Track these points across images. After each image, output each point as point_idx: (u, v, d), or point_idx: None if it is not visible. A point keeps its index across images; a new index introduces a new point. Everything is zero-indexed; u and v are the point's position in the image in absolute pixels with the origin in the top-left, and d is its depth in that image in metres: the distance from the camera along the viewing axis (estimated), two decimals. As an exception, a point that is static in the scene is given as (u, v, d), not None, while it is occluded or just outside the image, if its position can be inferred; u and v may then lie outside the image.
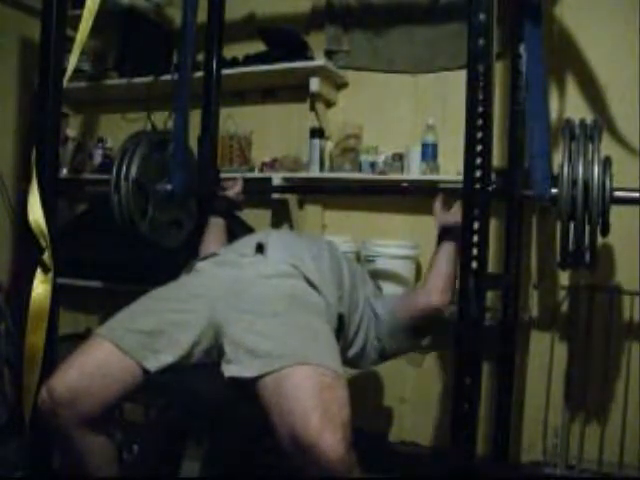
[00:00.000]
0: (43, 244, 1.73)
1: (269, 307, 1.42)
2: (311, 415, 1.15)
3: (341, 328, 1.55)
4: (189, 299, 1.48)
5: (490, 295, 2.14)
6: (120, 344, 1.38)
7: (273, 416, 1.22)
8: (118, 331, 1.41)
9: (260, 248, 1.60)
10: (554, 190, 1.57)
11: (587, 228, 1.53)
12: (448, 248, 1.69)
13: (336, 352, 1.37)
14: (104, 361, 1.37)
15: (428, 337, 1.75)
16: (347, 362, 1.66)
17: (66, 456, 1.45)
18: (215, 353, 1.43)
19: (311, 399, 1.18)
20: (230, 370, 1.32)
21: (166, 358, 1.38)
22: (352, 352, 1.67)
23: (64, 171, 2.90)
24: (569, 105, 2.22)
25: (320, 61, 2.45)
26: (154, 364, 1.37)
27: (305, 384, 1.21)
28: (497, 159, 2.04)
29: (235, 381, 1.31)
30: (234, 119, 2.68)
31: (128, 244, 2.18)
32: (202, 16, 2.14)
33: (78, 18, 1.68)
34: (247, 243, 1.66)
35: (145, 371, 1.38)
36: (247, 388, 1.30)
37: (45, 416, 1.36)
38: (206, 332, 1.42)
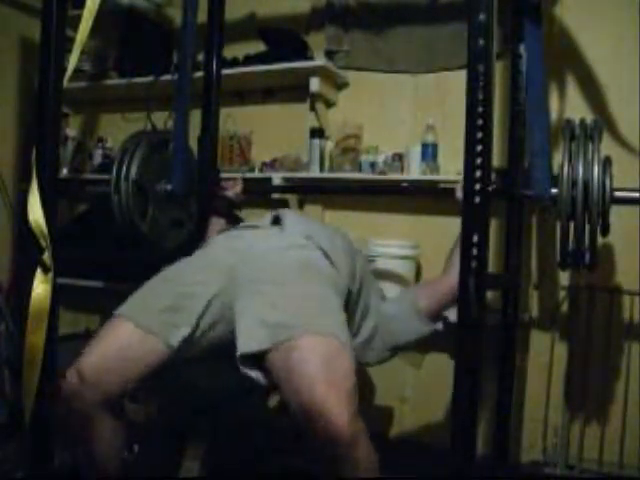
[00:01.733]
0: (43, 244, 1.73)
1: (280, 277, 1.44)
2: (316, 384, 1.20)
3: (347, 304, 1.56)
4: (202, 270, 1.51)
5: (490, 295, 2.14)
6: (140, 323, 1.41)
7: (283, 389, 1.26)
8: (137, 311, 1.44)
9: (277, 220, 1.64)
10: (554, 190, 1.57)
11: (587, 228, 1.53)
12: None
13: (344, 323, 1.39)
14: (125, 342, 1.41)
15: (441, 321, 1.76)
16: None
17: (80, 440, 1.47)
18: (221, 329, 1.45)
19: (316, 370, 1.22)
20: (241, 346, 1.33)
21: (184, 331, 1.41)
22: (358, 341, 1.68)
23: (64, 171, 2.90)
24: (569, 105, 2.22)
25: (320, 61, 2.45)
26: (175, 339, 1.40)
27: (311, 355, 1.25)
28: (497, 159, 2.03)
29: (246, 359, 1.32)
30: (234, 119, 2.68)
31: (128, 244, 2.18)
32: (202, 16, 2.14)
33: (78, 18, 1.68)
34: (263, 218, 1.71)
35: (168, 347, 1.40)
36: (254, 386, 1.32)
37: (70, 399, 1.38)
38: (215, 304, 1.45)
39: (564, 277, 2.23)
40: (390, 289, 2.08)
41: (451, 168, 2.30)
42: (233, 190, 2.01)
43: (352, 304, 1.60)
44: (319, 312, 1.37)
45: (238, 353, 1.33)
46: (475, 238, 1.31)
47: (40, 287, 1.73)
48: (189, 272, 1.52)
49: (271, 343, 1.29)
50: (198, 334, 1.44)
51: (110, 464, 1.45)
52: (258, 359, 1.32)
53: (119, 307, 1.47)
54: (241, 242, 1.58)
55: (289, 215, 1.66)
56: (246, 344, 1.33)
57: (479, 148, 1.31)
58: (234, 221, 2.10)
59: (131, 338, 1.40)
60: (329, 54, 2.56)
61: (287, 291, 1.41)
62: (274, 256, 1.51)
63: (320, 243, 1.56)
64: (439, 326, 1.76)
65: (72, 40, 1.71)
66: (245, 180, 2.06)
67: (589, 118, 1.63)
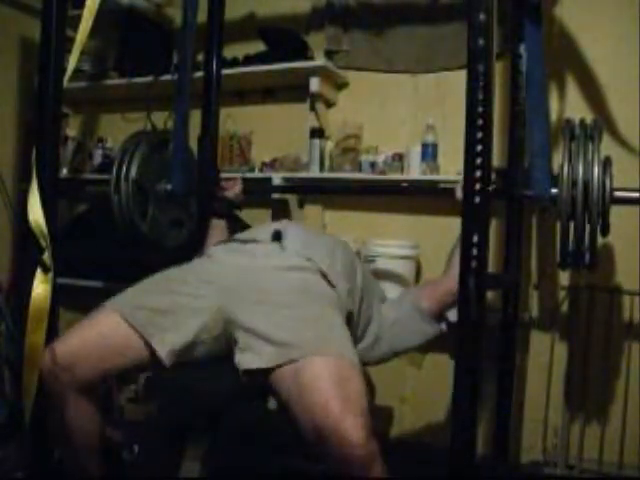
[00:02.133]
0: (43, 244, 1.73)
1: (283, 299, 1.43)
2: (332, 404, 1.18)
3: (349, 325, 1.55)
4: (200, 285, 1.49)
5: (490, 295, 2.14)
6: (128, 318, 1.41)
7: (293, 407, 1.24)
8: (127, 306, 1.44)
9: (277, 236, 1.61)
10: (554, 190, 1.57)
11: (587, 228, 1.53)
12: None
13: (350, 342, 1.39)
14: (109, 332, 1.41)
15: (444, 322, 1.76)
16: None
17: (54, 422, 1.48)
18: (223, 342, 1.44)
19: (330, 389, 1.21)
20: (246, 361, 1.33)
21: (172, 338, 1.40)
22: (361, 346, 1.68)
23: (64, 171, 2.90)
24: (569, 105, 2.22)
25: (320, 61, 2.45)
26: (160, 343, 1.39)
27: (324, 374, 1.24)
28: (497, 159, 2.03)
29: (251, 373, 1.32)
30: (234, 119, 2.68)
31: (128, 244, 2.18)
32: (202, 16, 2.14)
33: (78, 18, 1.68)
34: (264, 230, 1.67)
35: (152, 350, 1.39)
36: (255, 387, 1.31)
37: (44, 378, 1.38)
38: (215, 319, 1.43)
39: (564, 277, 2.23)
40: (390, 289, 2.08)
41: (451, 168, 2.30)
42: (233, 190, 2.00)
43: (354, 320, 1.59)
44: (325, 333, 1.36)
45: (241, 369, 1.33)
46: (475, 238, 1.31)
47: (40, 287, 1.72)
48: (188, 282, 1.50)
49: (278, 362, 1.28)
50: (198, 345, 1.43)
51: (84, 448, 1.45)
52: (261, 375, 1.32)
53: (108, 300, 1.47)
54: (242, 258, 1.56)
55: (290, 231, 1.63)
56: (250, 361, 1.33)
57: (479, 148, 1.31)
58: (234, 222, 2.10)
59: (115, 330, 1.40)
60: (329, 54, 2.56)
61: (290, 312, 1.40)
62: (275, 277, 1.49)
63: (320, 265, 1.53)
64: (443, 327, 1.76)
65: (72, 40, 1.71)
66: (245, 180, 2.06)
67: (589, 118, 1.63)
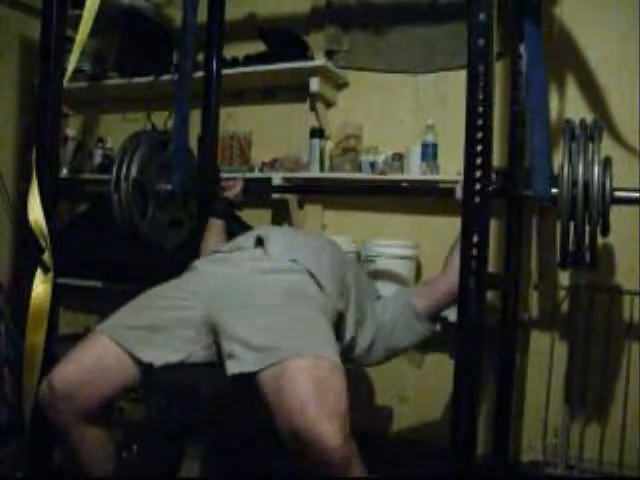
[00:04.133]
0: (43, 244, 1.73)
1: (265, 301, 1.43)
2: (307, 407, 1.17)
3: (339, 325, 1.55)
4: (187, 297, 1.49)
5: (490, 295, 2.14)
6: (118, 340, 1.40)
7: (273, 410, 1.24)
8: (116, 327, 1.44)
9: (260, 241, 1.61)
10: (554, 190, 1.57)
11: (587, 228, 1.53)
12: None
13: (333, 343, 1.37)
14: (102, 356, 1.40)
15: (438, 323, 1.76)
16: (352, 360, 1.67)
17: (66, 450, 1.47)
18: (214, 350, 1.44)
19: (307, 391, 1.20)
20: (231, 367, 1.33)
21: (165, 355, 1.40)
22: (357, 352, 1.67)
23: (64, 171, 2.90)
24: (569, 105, 2.22)
25: (320, 61, 2.45)
26: (153, 359, 1.39)
27: (301, 376, 1.23)
28: (497, 159, 2.03)
29: (238, 378, 1.32)
30: (234, 119, 2.68)
31: (128, 244, 2.18)
32: (202, 16, 2.14)
33: (78, 18, 1.68)
34: (247, 237, 1.69)
35: (143, 367, 1.40)
36: (249, 385, 1.31)
37: (45, 410, 1.39)
38: (203, 329, 1.44)
39: (564, 277, 2.23)
40: (390, 289, 2.08)
41: (451, 168, 2.30)
42: (233, 190, 2.00)
43: (346, 320, 1.58)
44: (307, 334, 1.35)
45: (228, 374, 1.33)
46: (475, 238, 1.31)
47: (40, 287, 1.73)
48: (174, 297, 1.50)
49: (258, 366, 1.27)
50: (191, 357, 1.44)
51: (96, 470, 1.45)
52: (246, 379, 1.31)
53: (98, 324, 1.47)
54: (226, 267, 1.56)
55: (272, 235, 1.63)
56: (233, 367, 1.32)
57: (479, 148, 1.31)
58: (234, 222, 2.10)
59: (106, 353, 1.40)
60: (329, 54, 2.56)
61: (273, 315, 1.39)
62: (259, 280, 1.49)
63: (306, 265, 1.53)
64: (437, 327, 1.76)
65: (72, 40, 1.71)
66: (245, 180, 2.06)
67: (589, 118, 1.63)
